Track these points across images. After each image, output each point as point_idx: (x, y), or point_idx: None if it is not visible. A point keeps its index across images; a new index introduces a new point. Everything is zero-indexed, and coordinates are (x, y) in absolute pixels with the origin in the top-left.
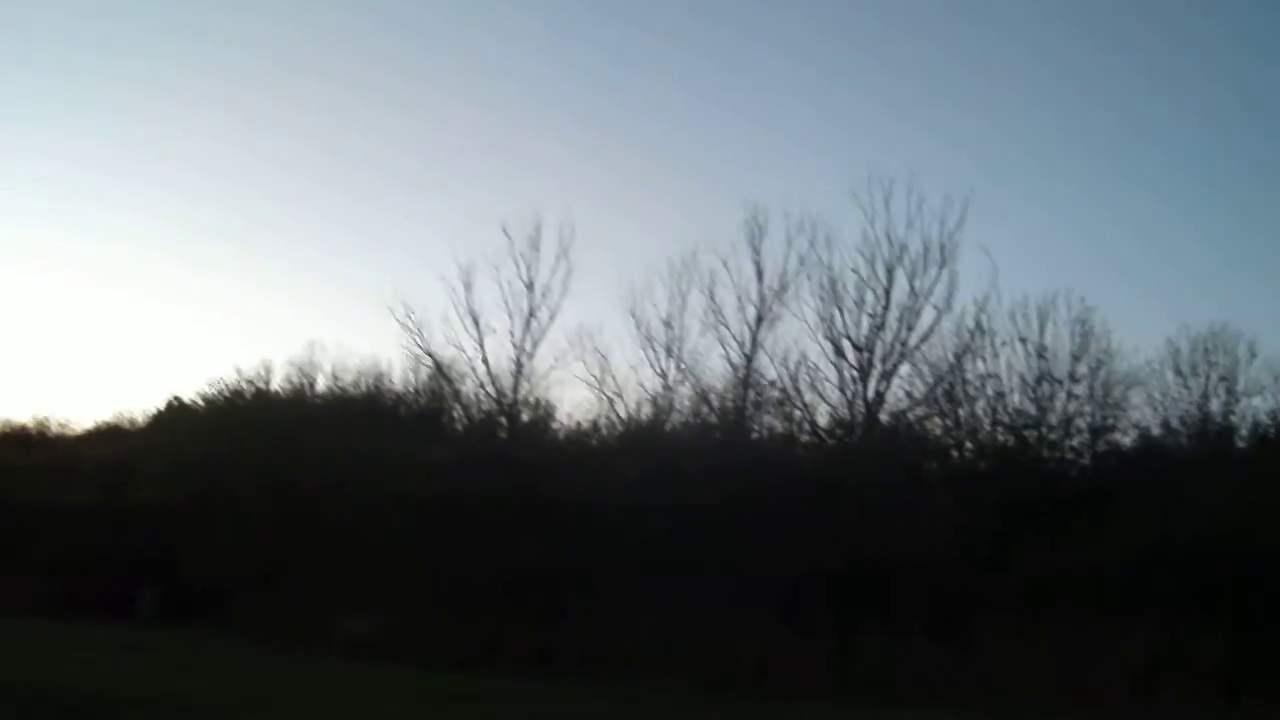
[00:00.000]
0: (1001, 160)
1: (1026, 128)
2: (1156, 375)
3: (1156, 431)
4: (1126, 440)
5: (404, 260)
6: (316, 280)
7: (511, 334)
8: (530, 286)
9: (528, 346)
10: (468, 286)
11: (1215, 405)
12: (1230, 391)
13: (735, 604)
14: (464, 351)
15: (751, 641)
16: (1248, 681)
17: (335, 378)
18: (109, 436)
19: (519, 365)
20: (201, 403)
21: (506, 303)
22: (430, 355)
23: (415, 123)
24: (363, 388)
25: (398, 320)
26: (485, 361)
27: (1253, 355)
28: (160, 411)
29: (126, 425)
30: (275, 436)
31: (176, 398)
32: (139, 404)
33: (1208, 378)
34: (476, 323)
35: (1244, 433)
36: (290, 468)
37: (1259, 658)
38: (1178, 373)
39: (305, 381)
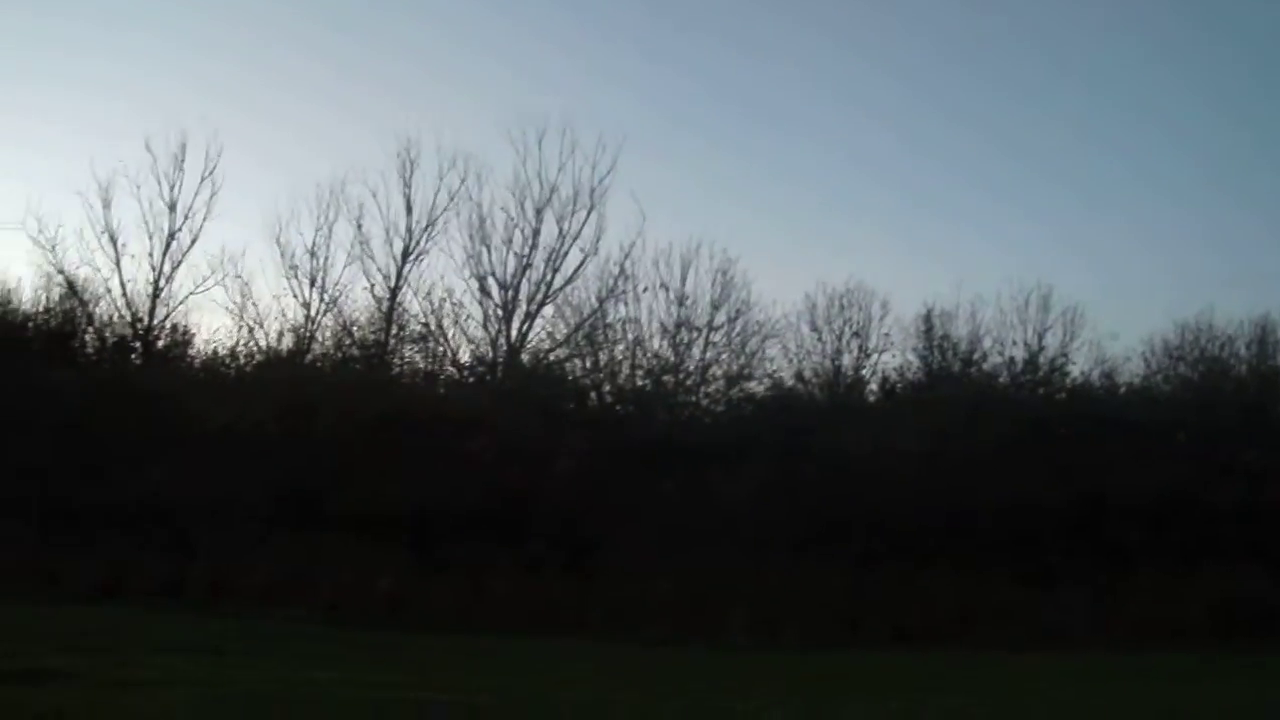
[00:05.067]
0: (655, 109)
1: (680, 78)
2: (793, 328)
3: (790, 382)
4: (761, 389)
5: (39, 173)
6: None
7: (150, 255)
8: (172, 207)
9: (167, 269)
10: (106, 204)
11: (847, 359)
12: (862, 347)
13: (370, 538)
14: (100, 272)
15: (385, 575)
16: (865, 614)
17: None
18: None
19: (157, 288)
20: None
21: (146, 223)
22: (63, 274)
23: (56, 21)
24: None
25: (29, 236)
26: (122, 283)
27: (884, 312)
28: None
29: None
30: None
31: None
32: None
33: (841, 332)
34: (114, 242)
35: (873, 386)
36: None
37: (876, 592)
38: (813, 326)
39: None
